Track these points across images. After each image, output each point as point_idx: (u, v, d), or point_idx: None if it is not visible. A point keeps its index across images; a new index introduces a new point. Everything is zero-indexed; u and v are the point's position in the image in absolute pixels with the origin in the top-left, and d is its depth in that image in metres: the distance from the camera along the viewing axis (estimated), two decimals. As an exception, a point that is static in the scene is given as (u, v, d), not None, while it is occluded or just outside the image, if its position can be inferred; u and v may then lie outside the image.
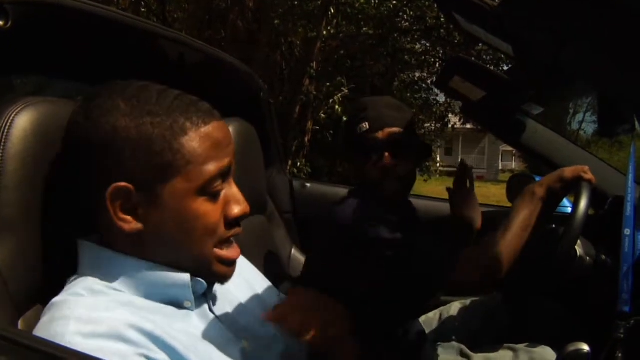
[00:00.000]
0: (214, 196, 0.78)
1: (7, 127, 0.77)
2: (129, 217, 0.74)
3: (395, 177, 1.37)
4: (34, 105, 0.80)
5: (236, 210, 0.80)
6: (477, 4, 0.83)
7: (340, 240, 1.34)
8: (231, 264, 0.83)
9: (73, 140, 0.76)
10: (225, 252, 0.81)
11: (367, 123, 1.37)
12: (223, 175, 0.79)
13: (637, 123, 0.90)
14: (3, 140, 0.76)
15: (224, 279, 0.84)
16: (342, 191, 1.57)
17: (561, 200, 1.40)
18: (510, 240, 1.28)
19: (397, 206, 1.41)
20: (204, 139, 0.76)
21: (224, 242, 0.81)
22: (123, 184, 0.72)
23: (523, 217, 1.30)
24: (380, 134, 1.37)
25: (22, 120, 0.78)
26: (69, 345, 0.65)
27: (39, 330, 0.70)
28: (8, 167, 0.76)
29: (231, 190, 0.81)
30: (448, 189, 1.62)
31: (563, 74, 0.98)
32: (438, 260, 1.30)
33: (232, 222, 0.81)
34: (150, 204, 0.75)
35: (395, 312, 1.40)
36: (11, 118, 0.77)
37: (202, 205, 0.77)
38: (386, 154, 1.36)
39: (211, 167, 0.76)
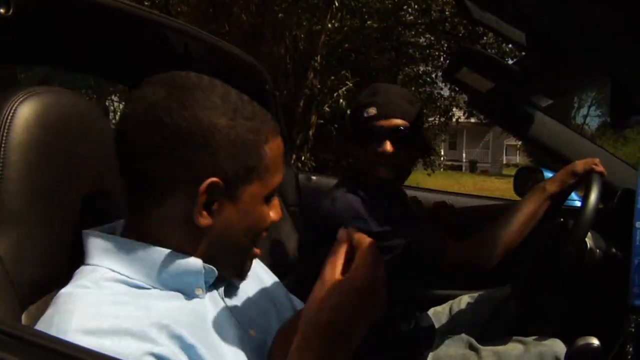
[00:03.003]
0: (269, 203, 0.84)
1: (9, 117, 0.76)
2: (205, 212, 0.76)
3: (390, 164, 1.36)
4: (37, 94, 0.79)
5: (275, 216, 0.86)
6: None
7: (329, 235, 1.32)
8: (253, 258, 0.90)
9: (160, 125, 0.73)
10: (256, 250, 0.87)
11: (375, 108, 1.35)
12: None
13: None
14: (6, 130, 0.75)
15: (246, 273, 0.89)
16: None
17: (569, 193, 1.39)
18: (512, 230, 1.28)
19: (388, 195, 1.40)
20: (276, 149, 0.81)
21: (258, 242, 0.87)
22: (217, 179, 0.74)
23: (529, 211, 1.31)
24: (385, 123, 1.35)
25: (25, 110, 0.77)
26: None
27: (42, 322, 0.69)
28: (11, 158, 0.75)
29: (275, 198, 0.86)
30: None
31: (579, 61, 0.96)
32: (429, 247, 1.30)
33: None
34: (228, 202, 0.77)
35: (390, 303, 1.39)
36: (14, 108, 0.76)
37: (264, 210, 0.82)
38: (387, 142, 1.34)
39: (278, 177, 0.82)
